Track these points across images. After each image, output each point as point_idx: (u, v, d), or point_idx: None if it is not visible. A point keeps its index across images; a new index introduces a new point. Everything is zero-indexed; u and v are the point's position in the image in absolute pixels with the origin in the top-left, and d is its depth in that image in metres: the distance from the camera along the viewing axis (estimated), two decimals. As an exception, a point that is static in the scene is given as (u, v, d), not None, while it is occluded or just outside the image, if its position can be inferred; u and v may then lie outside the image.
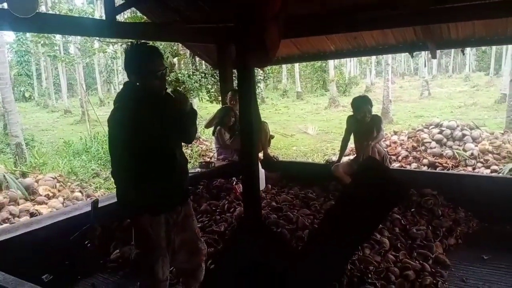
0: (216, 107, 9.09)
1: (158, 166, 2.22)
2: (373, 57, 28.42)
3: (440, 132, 8.66)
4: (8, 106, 10.57)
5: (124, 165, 2.19)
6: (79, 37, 19.58)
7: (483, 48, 31.32)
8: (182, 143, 2.49)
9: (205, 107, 15.94)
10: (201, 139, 11.31)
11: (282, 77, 31.05)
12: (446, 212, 3.91)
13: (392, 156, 8.31)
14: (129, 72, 2.23)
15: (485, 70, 33.18)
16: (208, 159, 6.75)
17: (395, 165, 8.05)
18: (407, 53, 5.48)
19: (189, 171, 3.06)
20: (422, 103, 20.76)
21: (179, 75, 10.46)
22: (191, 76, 10.60)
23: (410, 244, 3.38)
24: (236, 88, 4.87)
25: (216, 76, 10.33)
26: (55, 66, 28.14)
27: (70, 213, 3.28)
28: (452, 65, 41.13)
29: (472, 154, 7.95)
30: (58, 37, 19.91)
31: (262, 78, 14.07)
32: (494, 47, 26.40)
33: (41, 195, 6.68)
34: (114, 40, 12.76)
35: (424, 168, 7.84)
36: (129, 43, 2.29)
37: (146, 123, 2.14)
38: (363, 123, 4.29)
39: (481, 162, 7.79)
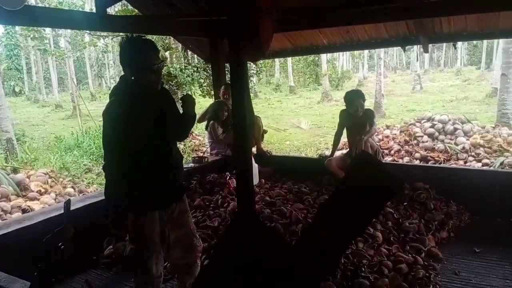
0: (208, 101, 9.05)
1: (154, 163, 2.21)
2: (366, 51, 28.53)
3: (432, 126, 8.71)
4: (-2, 101, 10.41)
5: (117, 159, 2.15)
6: (69, 31, 19.40)
7: (475, 42, 31.51)
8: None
9: (198, 102, 15.83)
10: (194, 134, 11.25)
11: (275, 71, 31.04)
12: (438, 206, 3.94)
13: (384, 150, 8.34)
14: (124, 66, 2.20)
15: (477, 64, 33.41)
16: (201, 154, 6.75)
17: (388, 159, 8.10)
18: (399, 47, 5.48)
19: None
20: (414, 97, 20.85)
21: (171, 69, 10.40)
22: (183, 70, 10.54)
23: (403, 237, 3.41)
24: (229, 82, 4.85)
25: (208, 70, 10.30)
26: (45, 60, 27.74)
27: (63, 209, 3.24)
28: (444, 59, 41.32)
29: (463, 148, 8.01)
30: (48, 30, 19.62)
31: (255, 72, 14.06)
32: (485, 41, 26.60)
33: (33, 191, 6.59)
34: (105, 33, 12.66)
35: (416, 162, 7.87)
36: (125, 36, 2.25)
37: (142, 119, 2.12)
38: (356, 117, 4.30)
39: (473, 156, 7.85)
